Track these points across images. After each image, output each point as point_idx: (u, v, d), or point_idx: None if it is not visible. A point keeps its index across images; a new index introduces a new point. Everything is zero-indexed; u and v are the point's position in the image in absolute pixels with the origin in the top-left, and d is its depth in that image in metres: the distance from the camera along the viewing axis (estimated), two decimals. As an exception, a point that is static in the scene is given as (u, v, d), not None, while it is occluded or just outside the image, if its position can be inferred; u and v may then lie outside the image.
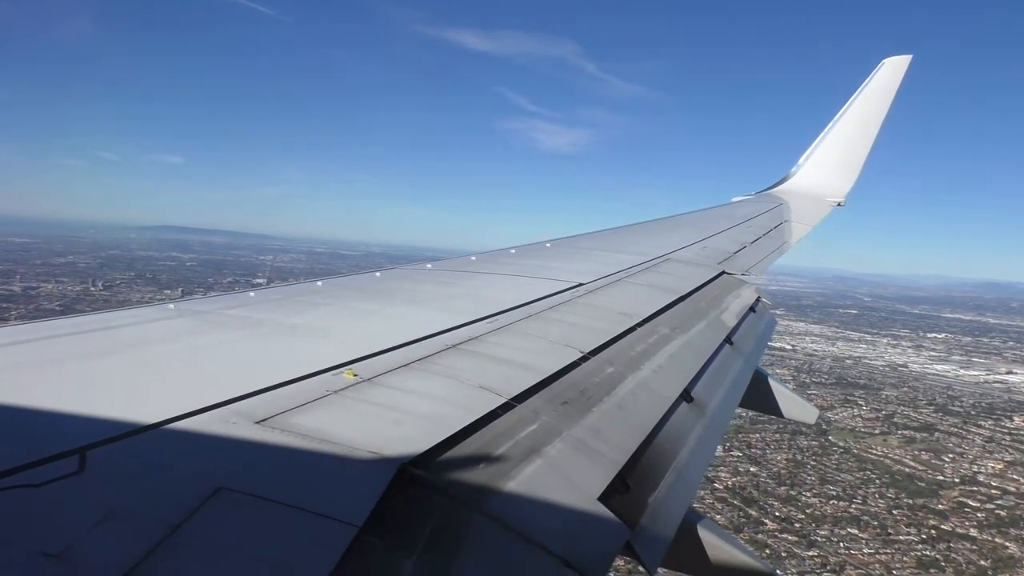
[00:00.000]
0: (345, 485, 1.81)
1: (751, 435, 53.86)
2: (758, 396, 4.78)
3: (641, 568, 2.11)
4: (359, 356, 2.78)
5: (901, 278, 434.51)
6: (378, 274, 4.88)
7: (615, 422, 2.75)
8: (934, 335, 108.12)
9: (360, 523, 1.60)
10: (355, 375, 2.55)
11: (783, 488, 45.46)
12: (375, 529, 1.62)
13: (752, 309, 5.51)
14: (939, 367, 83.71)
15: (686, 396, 3.32)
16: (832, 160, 11.59)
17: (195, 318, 3.28)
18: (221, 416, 2.06)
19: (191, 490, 1.62)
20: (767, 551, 37.01)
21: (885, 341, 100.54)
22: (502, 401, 2.54)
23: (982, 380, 78.12)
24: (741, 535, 37.86)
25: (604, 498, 2.18)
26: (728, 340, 4.47)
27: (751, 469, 48.01)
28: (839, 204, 10.98)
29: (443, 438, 2.13)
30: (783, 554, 37.25)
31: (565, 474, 2.24)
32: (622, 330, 3.86)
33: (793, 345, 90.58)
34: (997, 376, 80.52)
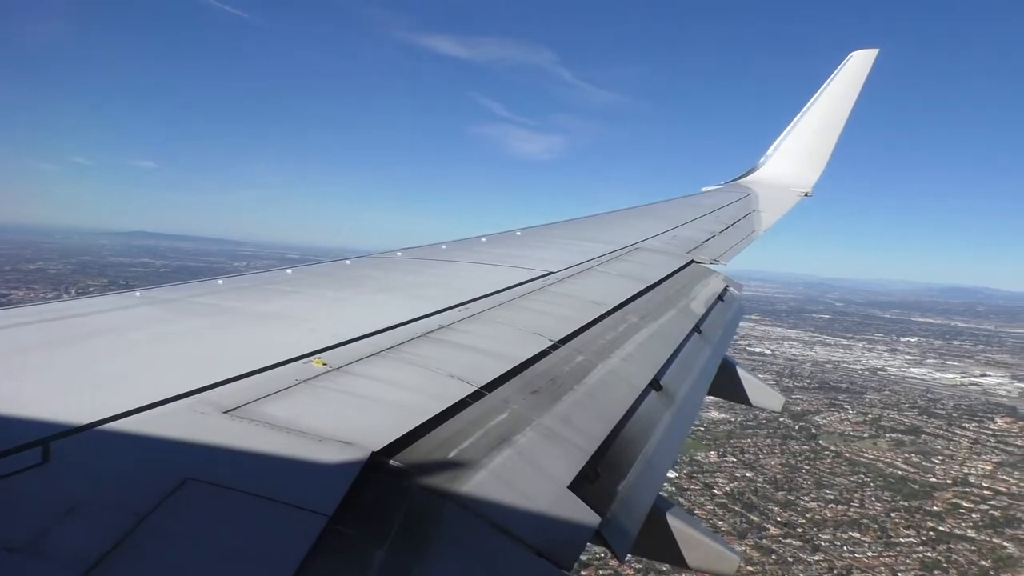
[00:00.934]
0: (315, 475, 1.80)
1: (743, 440, 54.26)
2: (726, 384, 4.81)
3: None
4: (328, 344, 2.75)
5: (870, 283, 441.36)
6: (348, 262, 4.81)
7: (585, 411, 2.76)
8: (907, 339, 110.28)
9: (330, 513, 1.59)
10: (324, 364, 2.54)
11: (781, 493, 45.75)
12: (345, 519, 1.62)
13: (720, 298, 5.55)
14: (916, 370, 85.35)
15: (655, 385, 3.34)
16: (799, 151, 11.74)
17: (161, 306, 3.22)
18: (188, 406, 2.04)
19: (158, 481, 1.60)
20: (773, 557, 37.28)
21: (861, 345, 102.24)
22: (472, 390, 2.55)
23: (958, 383, 79.76)
24: (745, 541, 38.11)
25: (574, 486, 2.19)
26: (697, 329, 4.50)
27: (747, 474, 48.26)
28: (806, 194, 11.13)
29: (413, 427, 2.13)
30: (789, 559, 37.41)
31: (535, 463, 2.25)
32: (592, 318, 3.87)
33: (772, 350, 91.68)
34: (972, 379, 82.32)
